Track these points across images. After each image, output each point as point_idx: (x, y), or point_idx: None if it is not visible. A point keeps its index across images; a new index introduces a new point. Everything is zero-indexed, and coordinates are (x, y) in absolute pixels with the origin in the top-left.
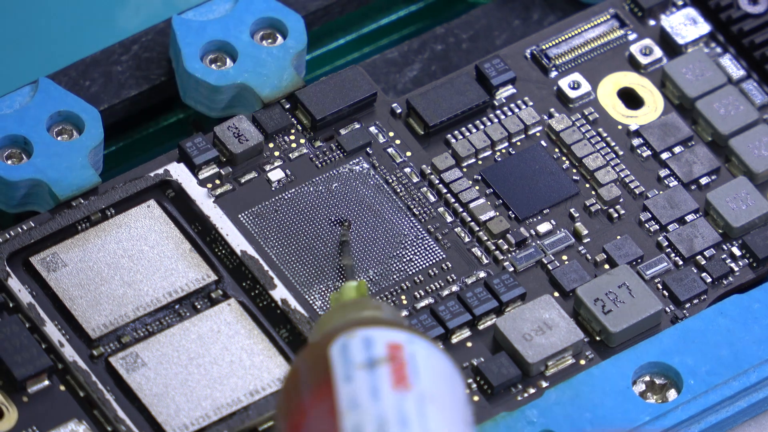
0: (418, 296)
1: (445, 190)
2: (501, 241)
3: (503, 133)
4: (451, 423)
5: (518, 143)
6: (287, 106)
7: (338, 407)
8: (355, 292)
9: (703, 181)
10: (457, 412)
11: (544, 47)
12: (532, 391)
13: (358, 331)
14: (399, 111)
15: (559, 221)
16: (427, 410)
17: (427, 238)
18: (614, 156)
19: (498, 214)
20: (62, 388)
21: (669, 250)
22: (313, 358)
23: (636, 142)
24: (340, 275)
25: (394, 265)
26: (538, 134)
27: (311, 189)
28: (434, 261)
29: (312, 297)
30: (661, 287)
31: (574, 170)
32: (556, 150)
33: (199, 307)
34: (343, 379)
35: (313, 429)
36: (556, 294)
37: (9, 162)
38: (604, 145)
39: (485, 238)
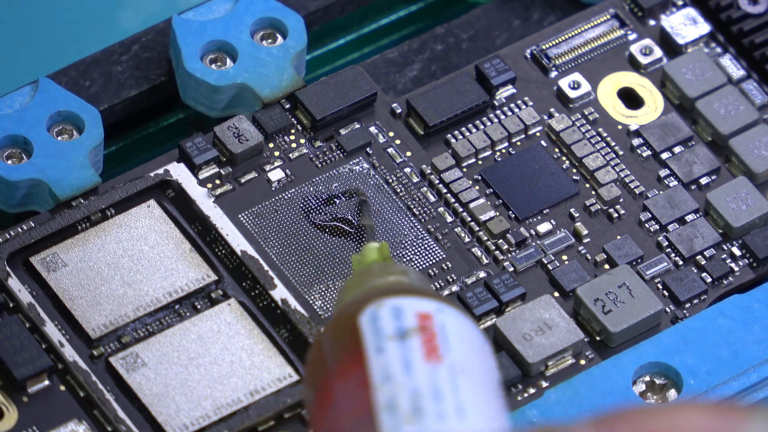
0: None
1: (445, 190)
2: (501, 241)
3: (503, 133)
4: (482, 394)
5: (518, 143)
6: (287, 106)
7: (371, 380)
8: (377, 254)
9: (703, 181)
10: (488, 382)
11: (544, 47)
12: (532, 391)
13: (387, 300)
14: (399, 111)
15: (559, 221)
16: (460, 382)
17: (427, 238)
18: (614, 156)
19: (498, 214)
20: (62, 388)
21: (669, 250)
22: (342, 328)
23: (636, 142)
24: (361, 241)
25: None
26: (538, 134)
27: (311, 189)
28: (434, 261)
29: (312, 297)
30: (661, 287)
31: (574, 170)
32: (556, 150)
33: (199, 307)
34: (375, 351)
35: (344, 400)
36: (556, 294)
37: (9, 162)
38: (604, 145)
39: (485, 238)
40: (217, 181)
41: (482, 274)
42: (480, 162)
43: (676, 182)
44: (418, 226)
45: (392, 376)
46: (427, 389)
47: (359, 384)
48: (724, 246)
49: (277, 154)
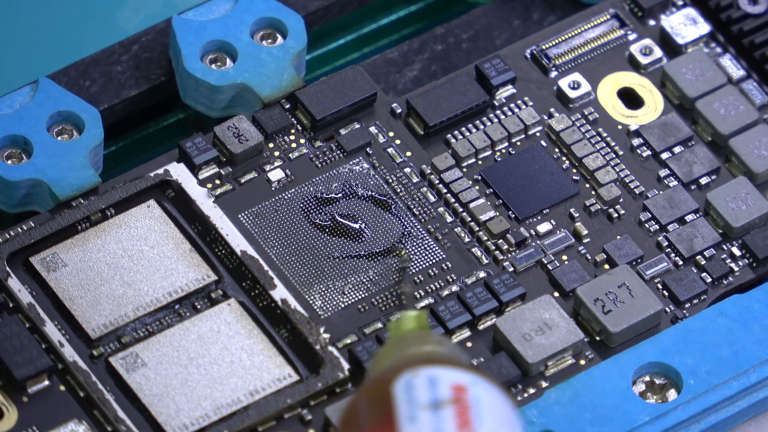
0: (418, 296)
1: (445, 190)
2: (501, 241)
3: (503, 133)
4: None
5: (518, 143)
6: (287, 106)
7: None
8: (415, 322)
9: (703, 181)
10: None
11: (544, 47)
12: (532, 391)
13: (422, 369)
14: (399, 111)
15: (559, 221)
16: None
17: (427, 238)
18: (614, 156)
19: (498, 214)
20: (62, 388)
21: (669, 250)
22: (376, 394)
23: (636, 142)
24: (394, 301)
25: (395, 265)
26: (538, 134)
27: (311, 189)
28: (434, 261)
29: (312, 297)
30: (661, 287)
31: (574, 170)
32: (556, 150)
33: (199, 307)
34: (408, 420)
35: None
36: (556, 294)
37: (9, 162)
38: (604, 145)
39: (485, 238)
40: (217, 181)
41: (482, 274)
42: (480, 162)
43: (676, 182)
44: (418, 226)
45: None
46: None
47: None
48: (724, 246)
49: (277, 154)
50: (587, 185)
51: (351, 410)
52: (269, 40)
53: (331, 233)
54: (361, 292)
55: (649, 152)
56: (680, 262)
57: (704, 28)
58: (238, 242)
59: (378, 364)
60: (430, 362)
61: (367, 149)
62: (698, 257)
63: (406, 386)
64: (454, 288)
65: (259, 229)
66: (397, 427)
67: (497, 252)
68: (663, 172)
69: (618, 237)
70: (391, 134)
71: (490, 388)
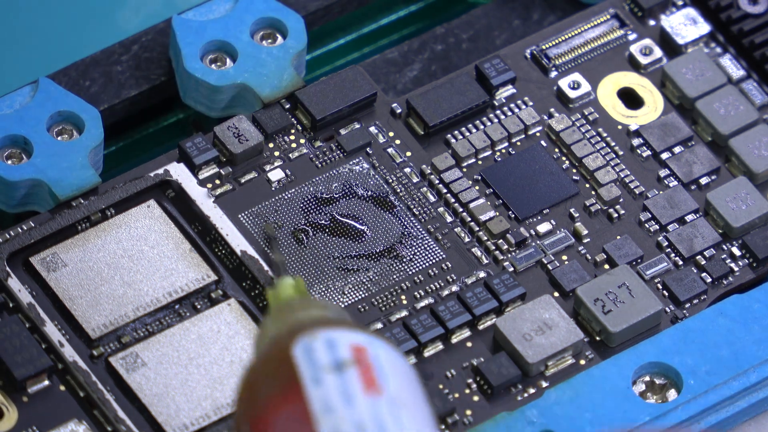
0: (418, 296)
1: (445, 190)
2: (501, 241)
3: (503, 133)
4: (423, 426)
5: (518, 143)
6: (287, 106)
7: (311, 410)
8: (293, 289)
9: (703, 181)
10: (425, 414)
11: (544, 47)
12: (532, 391)
13: (319, 332)
14: (399, 111)
15: (559, 221)
16: (401, 415)
17: (427, 238)
18: (614, 156)
19: (498, 214)
20: (62, 388)
21: (669, 250)
22: (274, 361)
23: (636, 142)
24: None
25: (394, 265)
26: (538, 134)
27: (311, 189)
28: (434, 261)
29: (312, 297)
30: (661, 287)
31: (574, 170)
32: (556, 150)
33: (199, 307)
34: (312, 382)
35: (284, 431)
36: (556, 294)
37: (9, 162)
38: (604, 145)
39: (485, 238)
40: (217, 181)
41: (482, 274)
42: (480, 162)
43: (676, 182)
44: (418, 226)
45: (333, 407)
46: (371, 422)
47: (300, 415)
48: (724, 246)
49: (277, 154)
50: (587, 185)
51: (248, 381)
52: (269, 40)
53: (331, 233)
54: (361, 292)
55: (649, 152)
56: (680, 262)
57: (704, 28)
58: (238, 242)
59: (265, 333)
60: (323, 325)
61: (367, 149)
62: (698, 257)
63: (305, 349)
64: (454, 288)
65: (259, 229)
66: (303, 391)
67: (497, 252)
68: (663, 172)
69: (618, 237)
70: (391, 134)
71: (388, 348)
